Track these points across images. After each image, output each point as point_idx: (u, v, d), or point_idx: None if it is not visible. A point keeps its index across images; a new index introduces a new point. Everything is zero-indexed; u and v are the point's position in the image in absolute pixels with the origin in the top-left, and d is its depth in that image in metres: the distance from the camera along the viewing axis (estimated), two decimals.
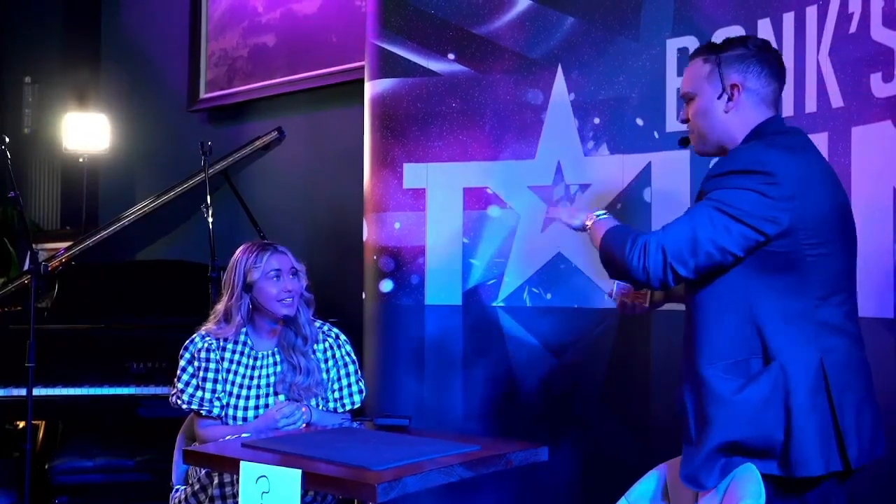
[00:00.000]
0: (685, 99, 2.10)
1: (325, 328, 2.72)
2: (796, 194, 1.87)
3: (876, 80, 2.38)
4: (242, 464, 2.01)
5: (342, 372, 2.67)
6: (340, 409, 2.65)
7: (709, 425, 1.91)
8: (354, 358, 2.71)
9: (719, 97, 2.02)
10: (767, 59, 2.03)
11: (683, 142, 2.19)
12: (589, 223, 2.10)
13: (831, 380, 1.89)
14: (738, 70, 2.01)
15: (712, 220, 1.88)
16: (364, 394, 2.69)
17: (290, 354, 2.62)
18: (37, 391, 3.26)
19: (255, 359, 2.63)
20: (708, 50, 2.08)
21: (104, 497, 3.70)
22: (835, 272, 1.92)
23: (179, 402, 2.59)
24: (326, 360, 2.66)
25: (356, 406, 2.68)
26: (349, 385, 2.67)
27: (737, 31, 2.75)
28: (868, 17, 2.40)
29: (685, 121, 2.11)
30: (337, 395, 2.65)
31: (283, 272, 2.59)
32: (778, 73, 2.05)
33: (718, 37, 2.79)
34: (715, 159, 2.07)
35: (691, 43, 2.86)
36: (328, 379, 2.65)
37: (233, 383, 2.60)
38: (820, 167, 1.97)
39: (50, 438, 3.72)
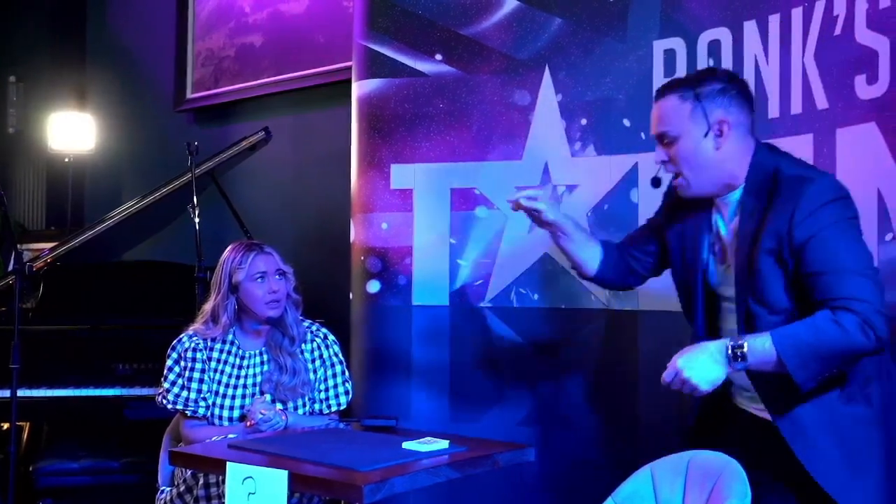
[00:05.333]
0: (662, 139, 2.02)
1: (314, 328, 2.71)
2: None
3: (860, 82, 2.40)
4: (229, 465, 2.01)
5: (329, 372, 2.66)
6: (326, 410, 2.65)
7: None
8: (342, 359, 2.71)
9: (706, 135, 1.96)
10: (741, 88, 2.01)
11: (656, 182, 2.09)
12: (745, 354, 1.84)
13: None
14: (721, 104, 1.96)
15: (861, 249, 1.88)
16: (350, 395, 2.69)
17: (277, 354, 2.61)
18: (21, 392, 3.23)
19: (242, 358, 2.63)
20: (681, 86, 2.00)
21: (90, 499, 3.68)
22: None
23: (165, 401, 2.58)
24: (314, 360, 2.66)
25: (342, 407, 2.67)
26: (335, 386, 2.66)
27: (723, 33, 2.76)
28: (852, 19, 2.42)
29: (665, 161, 2.02)
30: (323, 395, 2.65)
31: (268, 274, 2.58)
32: (751, 102, 2.03)
33: (704, 39, 2.81)
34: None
35: (678, 44, 2.87)
36: (315, 379, 2.64)
37: (219, 382, 2.59)
38: None
39: (34, 440, 3.70)
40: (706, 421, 2.15)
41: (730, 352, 1.83)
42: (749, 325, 1.94)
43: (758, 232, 1.92)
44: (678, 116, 1.98)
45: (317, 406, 2.64)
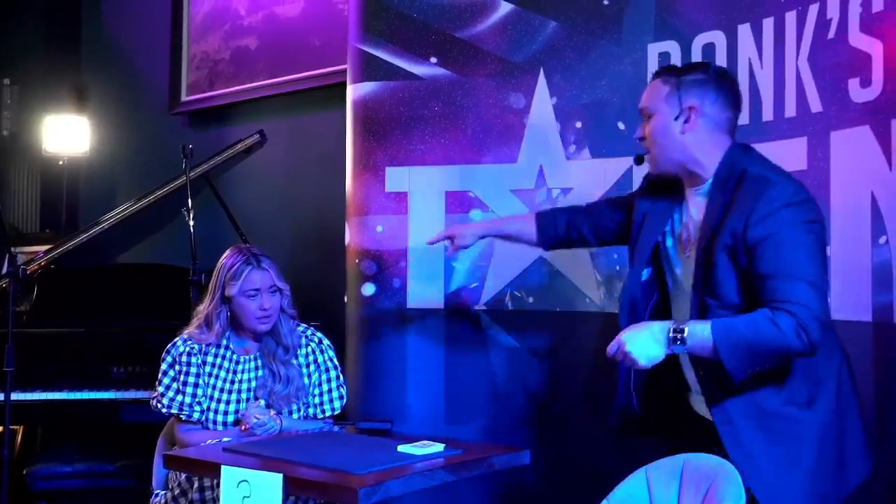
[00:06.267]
0: (643, 115, 2.15)
1: (309, 332, 2.71)
2: None
3: (854, 85, 2.41)
4: (224, 468, 2.00)
5: (323, 377, 2.66)
6: (320, 415, 2.64)
7: None
8: (337, 364, 2.71)
9: (676, 118, 2.07)
10: (725, 86, 2.09)
11: (638, 159, 2.23)
12: (684, 338, 1.92)
13: None
14: (696, 94, 2.06)
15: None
16: (345, 400, 2.68)
17: (271, 362, 2.61)
18: (15, 395, 3.22)
19: (237, 363, 2.62)
20: (669, 72, 2.14)
21: (84, 502, 3.67)
22: None
23: (160, 405, 2.58)
24: (308, 365, 2.66)
25: (336, 412, 2.67)
26: (330, 391, 2.66)
27: (717, 36, 2.77)
28: (846, 22, 2.43)
29: (642, 138, 2.15)
30: (317, 399, 2.65)
31: (261, 291, 2.56)
32: (734, 101, 2.10)
33: (698, 43, 2.82)
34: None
35: (672, 48, 2.88)
36: (309, 384, 2.64)
37: (213, 387, 2.59)
38: None
39: (29, 443, 3.69)
40: (660, 416, 2.22)
41: (671, 333, 1.93)
42: (702, 315, 2.01)
43: (719, 227, 1.99)
44: (657, 96, 2.11)
45: (311, 411, 2.64)
